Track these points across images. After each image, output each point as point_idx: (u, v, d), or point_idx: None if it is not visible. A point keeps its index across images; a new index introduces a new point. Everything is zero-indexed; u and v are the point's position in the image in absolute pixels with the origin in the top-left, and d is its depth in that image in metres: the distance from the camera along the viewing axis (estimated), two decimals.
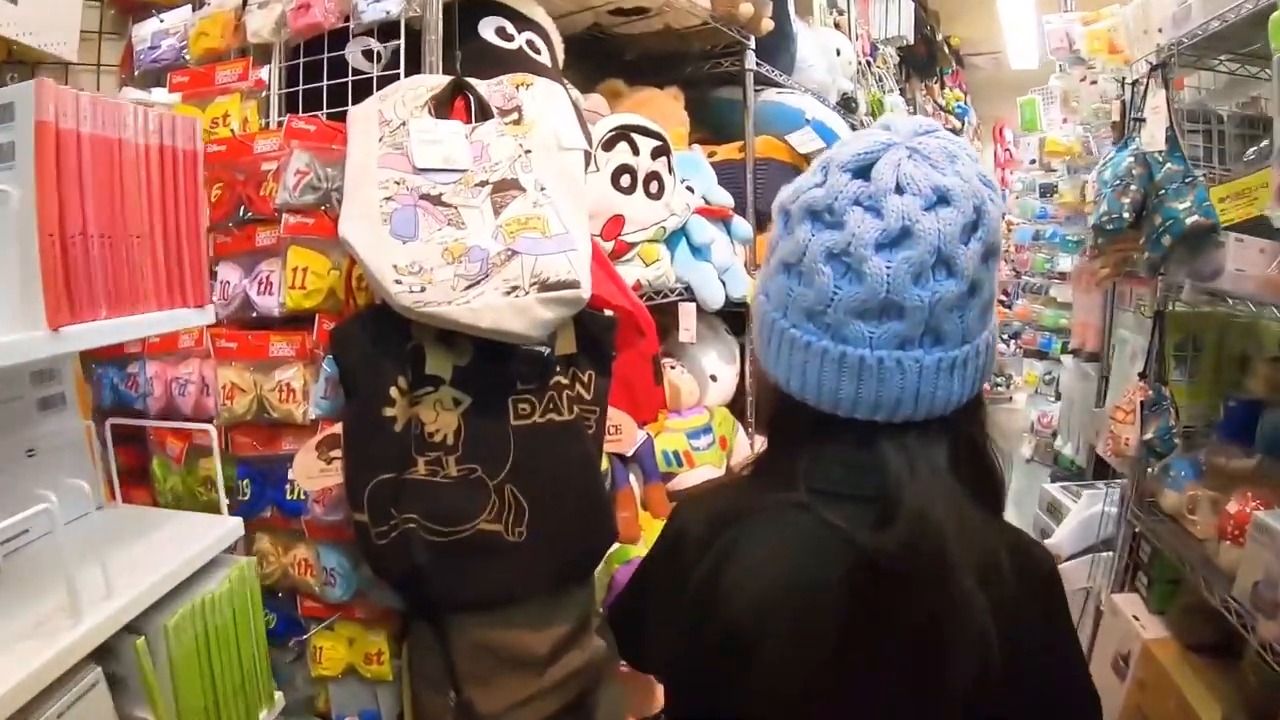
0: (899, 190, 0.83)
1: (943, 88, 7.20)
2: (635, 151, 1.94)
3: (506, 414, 1.41)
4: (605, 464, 1.67)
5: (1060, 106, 4.38)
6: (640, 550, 1.83)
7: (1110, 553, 2.85)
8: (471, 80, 1.51)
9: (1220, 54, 2.31)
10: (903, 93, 5.15)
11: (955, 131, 6.87)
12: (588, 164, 1.73)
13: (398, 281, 1.27)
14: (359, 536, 1.36)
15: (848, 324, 0.84)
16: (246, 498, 1.52)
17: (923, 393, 0.86)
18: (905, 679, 0.84)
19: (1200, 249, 2.08)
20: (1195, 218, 2.05)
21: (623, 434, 1.65)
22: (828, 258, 0.84)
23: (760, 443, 1.06)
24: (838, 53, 3.20)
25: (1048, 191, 6.05)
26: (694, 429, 2.33)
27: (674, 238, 2.15)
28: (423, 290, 1.27)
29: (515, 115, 1.50)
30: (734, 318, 2.60)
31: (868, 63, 4.19)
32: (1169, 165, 2.13)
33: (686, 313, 2.20)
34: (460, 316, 1.27)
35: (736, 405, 2.62)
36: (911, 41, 4.94)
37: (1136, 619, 2.45)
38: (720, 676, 0.92)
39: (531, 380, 1.42)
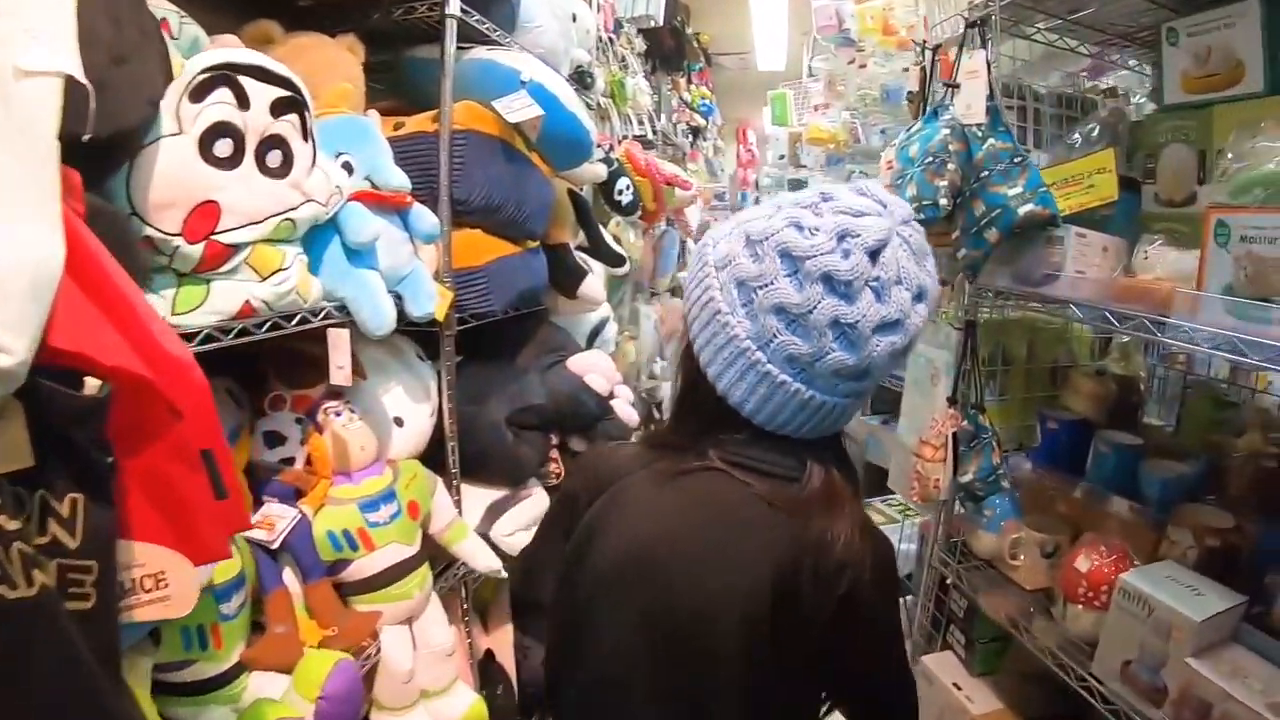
0: (898, 282, 0.95)
1: (689, 83, 6.97)
2: (244, 104, 1.26)
3: None
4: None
5: (825, 90, 4.07)
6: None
7: (912, 598, 2.44)
8: None
9: (1039, 19, 1.95)
10: (650, 80, 4.72)
11: (697, 131, 6.88)
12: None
13: None
14: None
15: (824, 377, 0.97)
16: None
17: (844, 421, 1.05)
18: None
19: (1029, 245, 1.70)
20: (1030, 206, 1.65)
21: (171, 588, 0.96)
22: (833, 325, 0.94)
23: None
24: (574, 18, 2.64)
25: (797, 188, 5.84)
26: (369, 497, 1.72)
27: (319, 235, 1.50)
28: None
29: None
30: (427, 339, 1.98)
31: (610, 38, 3.69)
32: (992, 141, 1.72)
33: (337, 343, 1.54)
34: None
35: (434, 456, 2.00)
36: (660, 23, 4.56)
37: (958, 688, 2.02)
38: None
39: None
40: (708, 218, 5.44)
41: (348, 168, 1.60)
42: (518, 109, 1.91)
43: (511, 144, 1.99)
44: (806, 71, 5.91)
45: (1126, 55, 2.10)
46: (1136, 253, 1.60)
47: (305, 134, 1.37)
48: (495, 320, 2.10)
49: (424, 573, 1.84)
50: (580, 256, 2.54)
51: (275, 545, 1.52)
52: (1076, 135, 1.87)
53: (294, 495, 1.64)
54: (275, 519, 1.54)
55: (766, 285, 0.95)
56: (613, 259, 2.70)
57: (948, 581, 2.11)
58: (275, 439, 1.68)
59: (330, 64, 1.79)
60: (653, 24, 4.48)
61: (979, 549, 1.98)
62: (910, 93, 2.41)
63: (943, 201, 1.66)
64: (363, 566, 1.69)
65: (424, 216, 1.75)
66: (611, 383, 2.44)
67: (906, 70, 3.59)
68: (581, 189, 2.70)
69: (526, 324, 2.43)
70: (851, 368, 0.95)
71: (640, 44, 4.52)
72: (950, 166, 1.66)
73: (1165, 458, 1.80)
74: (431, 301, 1.74)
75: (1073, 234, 1.61)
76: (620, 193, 3.05)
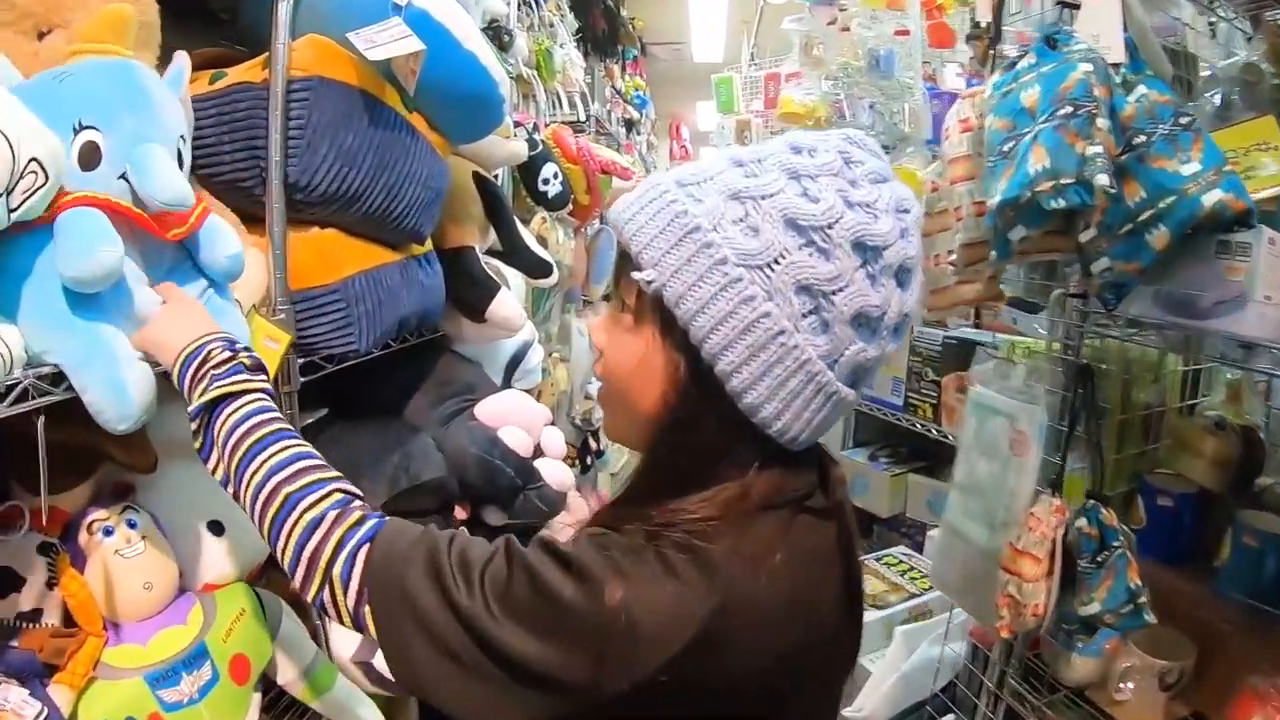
0: None
1: (624, 72, 6.47)
2: None
3: None
4: None
5: (801, 56, 3.49)
6: None
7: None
8: None
9: None
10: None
11: (631, 124, 6.39)
12: None
13: None
14: None
15: (868, 376, 0.84)
16: None
17: None
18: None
19: (1189, 253, 1.14)
20: (1217, 194, 1.07)
21: None
22: (900, 321, 0.82)
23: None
24: None
25: None
26: (164, 663, 1.11)
27: (15, 256, 0.87)
28: None
29: None
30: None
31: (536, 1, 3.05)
32: (1144, 90, 1.13)
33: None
34: None
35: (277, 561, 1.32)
36: None
37: None
38: None
39: None
40: None
41: (92, 151, 0.96)
42: (384, 42, 1.25)
43: (379, 98, 1.34)
44: (749, 60, 5.62)
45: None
46: None
47: None
48: (369, 357, 1.45)
49: None
50: (491, 264, 1.88)
51: None
52: (1209, 98, 1.28)
53: (43, 671, 1.02)
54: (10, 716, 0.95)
55: (843, 288, 0.78)
56: (536, 266, 2.04)
57: None
58: (7, 580, 1.05)
59: None
60: None
61: (1069, 676, 1.45)
62: (976, 25, 1.76)
63: (1101, 179, 1.04)
64: None
65: (218, 239, 1.11)
66: (536, 435, 1.79)
67: (900, 34, 3.07)
68: (494, 175, 2.03)
69: (416, 359, 1.78)
70: (882, 361, 0.84)
71: (572, 21, 3.90)
72: (1100, 123, 1.05)
73: None
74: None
75: (1264, 240, 1.02)
76: (546, 182, 2.42)
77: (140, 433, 1.05)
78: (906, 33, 3.10)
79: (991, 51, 1.42)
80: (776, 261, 0.77)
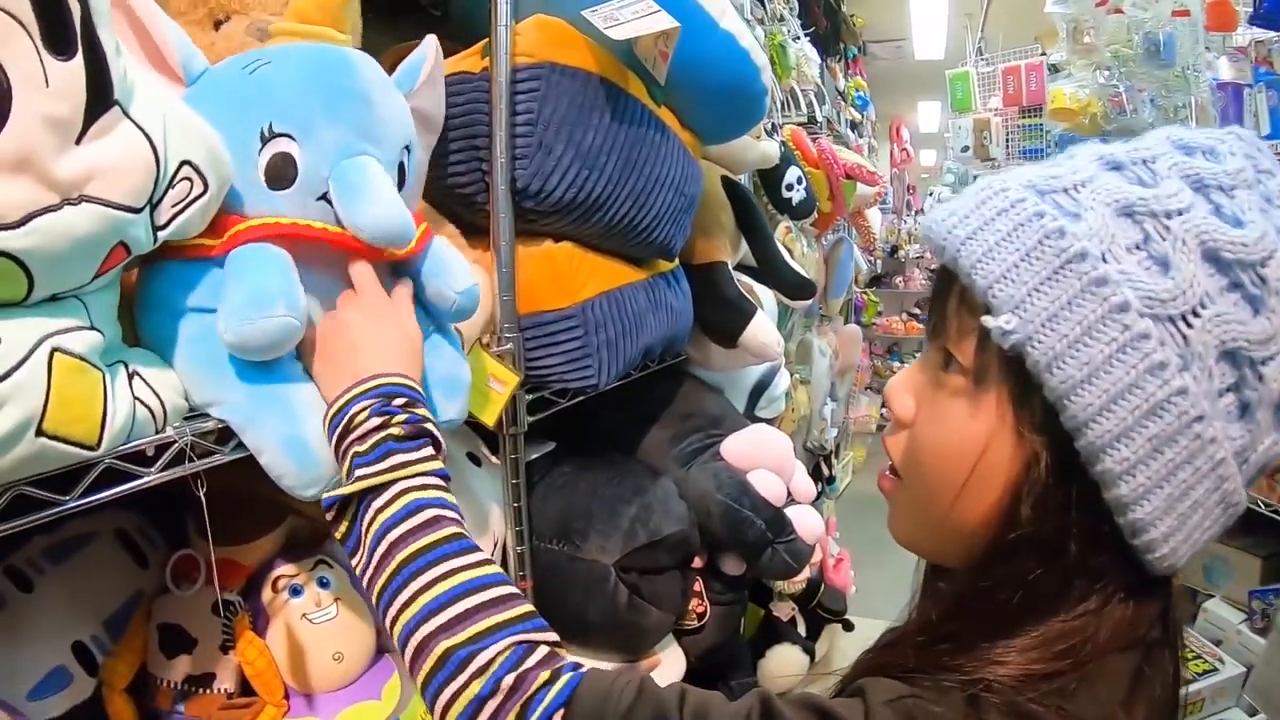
0: None
1: (847, 71, 6.19)
2: None
3: None
4: None
5: (1069, 43, 3.13)
6: None
7: None
8: None
9: None
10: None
11: (854, 127, 6.07)
12: None
13: None
14: None
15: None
16: None
17: None
18: None
19: None
20: None
21: None
22: None
23: None
24: None
25: None
26: None
27: (168, 296, 0.70)
28: None
29: None
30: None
31: None
32: None
33: None
34: None
35: None
36: None
37: None
38: None
39: None
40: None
41: (284, 165, 0.76)
42: (629, 19, 1.03)
43: (622, 88, 1.11)
44: (975, 55, 5.26)
45: None
46: None
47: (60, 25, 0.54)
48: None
49: None
50: (743, 281, 1.64)
51: None
52: None
53: None
54: None
55: (1274, 356, 0.56)
56: (796, 285, 1.75)
57: None
58: (176, 639, 0.91)
59: None
60: None
61: None
62: None
63: None
64: None
65: (445, 268, 0.89)
66: (788, 477, 1.54)
67: (1178, 15, 2.69)
68: (739, 177, 1.79)
69: (654, 385, 1.57)
70: None
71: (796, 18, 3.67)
72: None
73: None
74: (457, 395, 0.90)
75: None
76: (790, 187, 2.15)
77: None
78: (1186, 13, 2.74)
79: None
80: (1195, 312, 0.55)
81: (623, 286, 1.20)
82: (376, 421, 0.71)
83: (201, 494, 0.74)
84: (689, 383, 1.68)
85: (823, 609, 2.54)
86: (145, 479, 0.69)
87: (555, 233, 1.13)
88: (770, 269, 1.72)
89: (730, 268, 1.59)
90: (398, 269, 0.87)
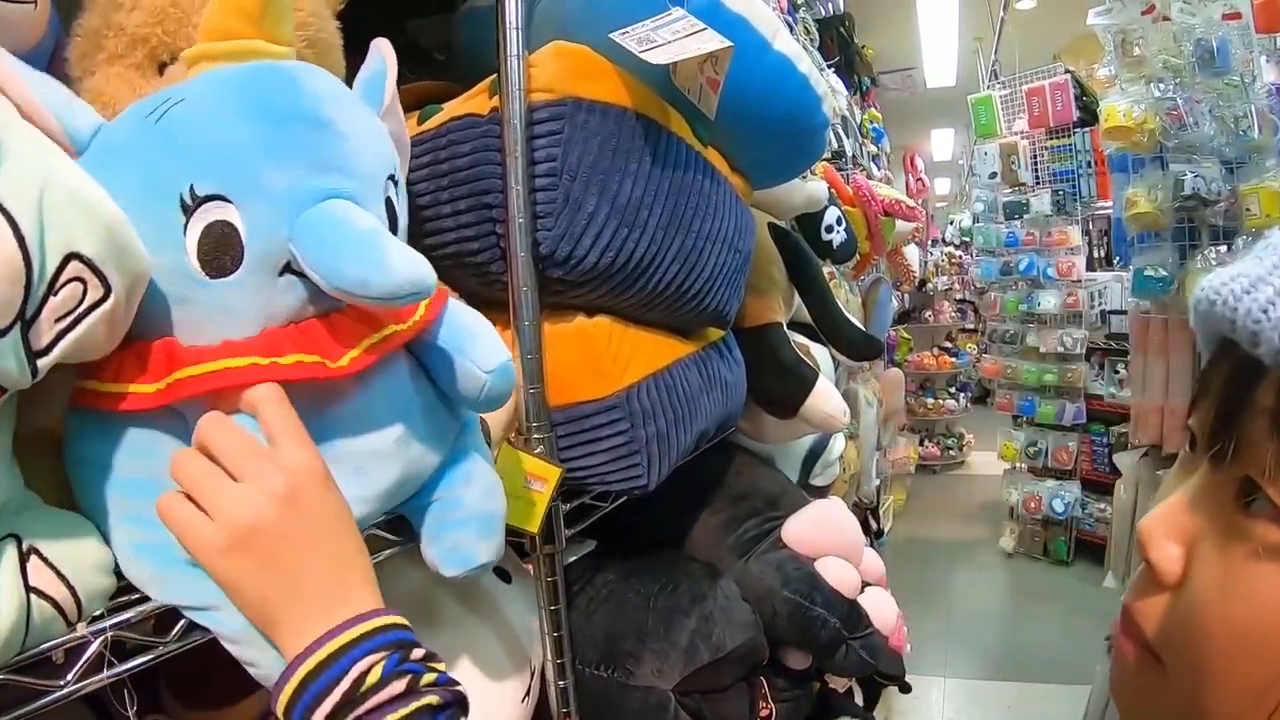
0: None
1: (863, 102, 6.06)
2: None
3: None
4: None
5: (1117, 56, 2.97)
6: None
7: None
8: None
9: None
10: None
11: (873, 158, 5.94)
12: None
13: None
14: None
15: None
16: None
17: None
18: None
19: None
20: None
21: None
22: None
23: None
24: None
25: (1016, 212, 5.02)
26: None
27: None
28: None
29: None
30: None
31: (788, 23, 2.66)
32: None
33: None
34: None
35: None
36: (841, 10, 3.54)
37: None
38: None
39: None
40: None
41: (225, 240, 0.54)
42: (668, 40, 0.84)
43: (663, 125, 0.92)
44: (989, 78, 5.39)
45: None
46: None
47: None
48: None
49: None
50: (797, 342, 1.43)
51: None
52: None
53: None
54: None
55: None
56: (862, 345, 1.50)
57: None
58: None
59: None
60: (831, 10, 3.47)
61: None
62: None
63: None
64: None
65: (467, 341, 0.66)
66: (858, 561, 1.35)
67: (1228, 19, 2.55)
68: (785, 222, 1.58)
69: (700, 463, 1.35)
70: None
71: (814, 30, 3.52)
72: None
73: None
74: (493, 533, 0.71)
75: None
76: (830, 229, 1.94)
77: None
78: (1237, 16, 2.57)
79: None
80: None
81: (671, 365, 1.00)
82: (400, 687, 0.50)
83: (131, 715, 0.54)
84: (739, 456, 1.47)
85: (880, 675, 2.33)
86: (56, 694, 0.50)
87: (588, 305, 0.93)
88: (831, 326, 1.49)
89: (785, 328, 1.39)
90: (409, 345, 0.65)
